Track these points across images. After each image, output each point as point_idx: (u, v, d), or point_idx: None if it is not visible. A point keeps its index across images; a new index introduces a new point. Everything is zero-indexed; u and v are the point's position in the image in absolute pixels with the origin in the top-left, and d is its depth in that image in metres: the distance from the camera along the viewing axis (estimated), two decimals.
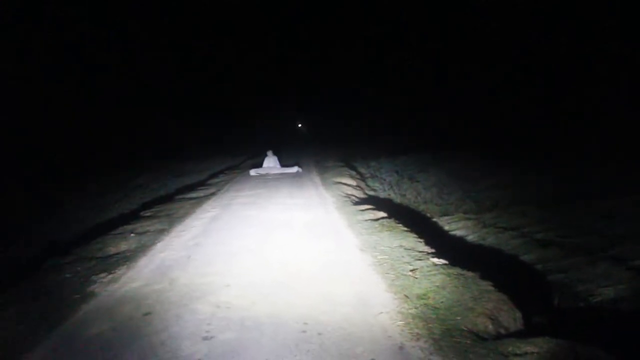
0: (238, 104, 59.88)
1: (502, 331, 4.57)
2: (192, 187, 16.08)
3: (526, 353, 3.96)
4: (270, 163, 18.81)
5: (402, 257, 6.74)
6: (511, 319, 4.74)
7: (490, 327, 4.56)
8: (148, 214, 11.10)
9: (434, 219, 11.32)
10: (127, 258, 7.48)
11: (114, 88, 39.11)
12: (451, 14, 43.56)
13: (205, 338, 4.52)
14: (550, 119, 29.31)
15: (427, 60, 44.97)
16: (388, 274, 6.06)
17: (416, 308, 4.94)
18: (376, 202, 11.99)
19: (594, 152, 19.03)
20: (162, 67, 47.29)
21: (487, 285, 5.42)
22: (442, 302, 5.05)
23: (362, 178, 17.56)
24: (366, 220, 9.33)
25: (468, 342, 4.23)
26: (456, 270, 5.97)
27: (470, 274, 5.82)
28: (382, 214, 9.78)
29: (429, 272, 6.00)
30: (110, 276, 6.58)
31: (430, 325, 4.55)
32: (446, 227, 10.50)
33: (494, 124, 31.95)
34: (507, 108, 33.68)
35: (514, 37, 35.73)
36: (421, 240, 7.67)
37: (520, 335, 4.49)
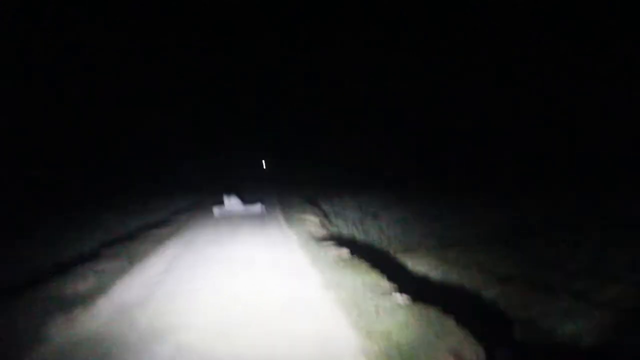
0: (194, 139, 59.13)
1: None
2: (154, 225, 15.83)
3: None
4: (232, 202, 18.65)
5: (366, 294, 6.71)
6: (474, 354, 4.73)
7: None
8: (108, 253, 10.86)
9: (397, 256, 11.33)
10: (85, 298, 7.27)
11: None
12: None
13: None
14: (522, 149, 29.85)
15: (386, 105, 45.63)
16: (351, 311, 6.02)
17: (379, 345, 4.90)
18: (339, 240, 11.97)
19: (564, 182, 19.51)
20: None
21: (450, 322, 5.42)
22: (405, 339, 5.02)
23: (326, 215, 17.55)
24: (329, 257, 9.29)
25: None
26: (419, 307, 5.96)
27: (433, 310, 5.82)
28: (345, 251, 9.75)
29: (392, 309, 5.98)
30: (66, 318, 6.38)
31: None
32: (409, 264, 10.51)
33: (458, 160, 32.44)
34: (474, 144, 34.29)
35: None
36: (384, 277, 7.66)
37: None
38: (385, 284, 7.25)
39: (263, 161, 69.66)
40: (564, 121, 31.00)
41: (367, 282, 7.37)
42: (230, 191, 19.48)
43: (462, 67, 39.23)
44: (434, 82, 40.73)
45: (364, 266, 8.50)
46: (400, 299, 6.37)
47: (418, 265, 10.40)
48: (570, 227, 12.39)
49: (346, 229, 15.04)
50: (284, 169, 50.91)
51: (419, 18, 44.98)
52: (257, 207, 18.33)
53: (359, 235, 14.14)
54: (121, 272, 9.02)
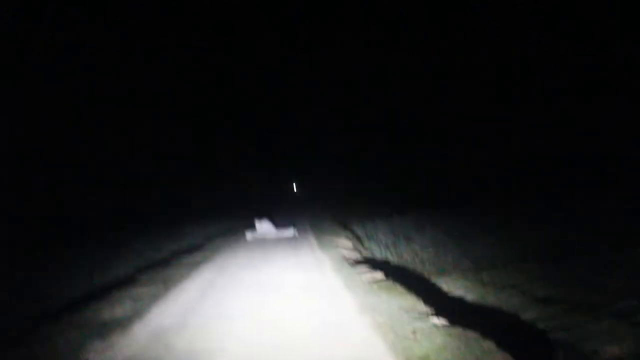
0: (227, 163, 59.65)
1: None
2: (188, 251, 15.95)
3: None
4: (264, 227, 18.74)
5: (402, 318, 6.64)
6: None
7: None
8: (143, 278, 10.97)
9: (432, 279, 11.19)
10: (122, 324, 7.34)
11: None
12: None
13: None
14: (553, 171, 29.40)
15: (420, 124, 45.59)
16: (388, 335, 5.95)
17: None
18: (373, 263, 11.90)
19: (601, 203, 19.11)
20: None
21: (489, 345, 5.32)
22: None
23: (358, 239, 17.48)
24: (363, 281, 9.24)
25: None
26: (457, 330, 5.86)
27: (471, 333, 5.72)
28: (379, 275, 9.69)
29: (429, 332, 5.90)
30: (104, 343, 6.43)
31: None
32: (444, 287, 10.36)
33: (491, 180, 32.14)
34: (505, 163, 33.97)
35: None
36: (420, 300, 7.58)
37: None
38: (421, 307, 7.17)
39: (294, 184, 69.98)
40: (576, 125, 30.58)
41: (403, 305, 7.29)
42: (262, 215, 19.56)
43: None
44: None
45: (398, 289, 8.43)
46: (438, 322, 6.28)
47: (453, 287, 10.25)
48: (610, 244, 12.10)
49: (379, 252, 14.95)
50: (315, 194, 50.98)
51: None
52: (290, 231, 18.38)
53: (392, 259, 14.03)
54: (157, 297, 9.09)
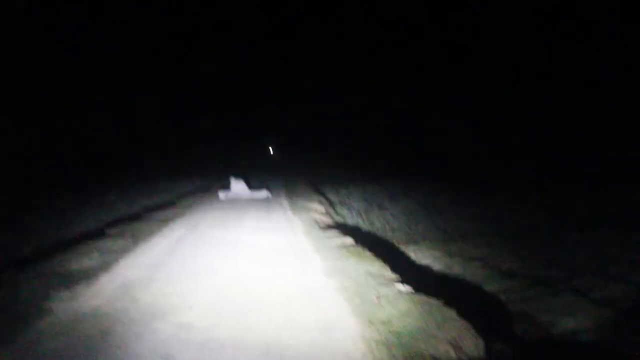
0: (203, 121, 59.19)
1: (465, 358, 4.57)
2: (160, 207, 15.89)
3: None
4: (238, 186, 18.70)
5: (368, 283, 6.73)
6: (473, 346, 4.74)
7: (453, 354, 4.55)
8: (113, 232, 10.92)
9: (401, 248, 11.34)
10: (89, 275, 7.33)
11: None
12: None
13: (164, 358, 4.43)
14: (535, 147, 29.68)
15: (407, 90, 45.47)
16: (354, 299, 6.03)
17: (380, 334, 4.91)
18: (344, 229, 12.00)
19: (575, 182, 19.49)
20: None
21: (451, 313, 5.43)
22: (405, 328, 5.03)
23: (331, 204, 17.58)
24: (333, 246, 9.31)
25: None
26: (421, 298, 5.97)
27: (434, 301, 5.82)
28: (349, 240, 9.78)
29: (394, 298, 5.99)
30: (69, 293, 6.43)
31: (393, 351, 4.53)
32: (413, 256, 10.52)
33: (468, 155, 32.35)
34: (485, 138, 34.19)
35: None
36: (387, 267, 7.68)
37: None
38: (388, 273, 7.27)
39: (270, 148, 69.46)
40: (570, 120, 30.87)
41: (370, 270, 7.39)
42: (236, 176, 19.49)
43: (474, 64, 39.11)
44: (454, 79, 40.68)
45: (367, 255, 8.52)
46: (403, 288, 6.39)
47: (421, 256, 10.41)
48: (577, 227, 12.38)
49: (351, 219, 15.07)
50: (291, 159, 50.82)
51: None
52: (263, 193, 18.37)
53: (363, 225, 14.16)
54: (125, 251, 9.08)
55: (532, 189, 20.70)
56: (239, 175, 19.60)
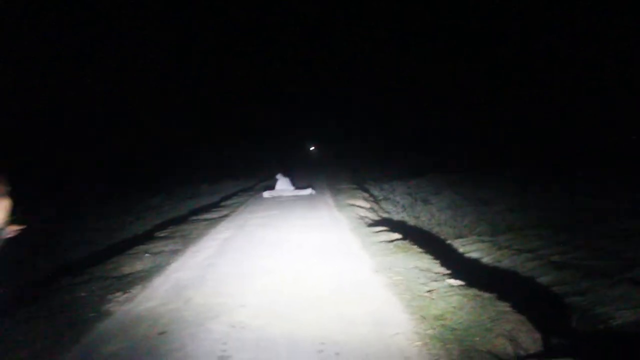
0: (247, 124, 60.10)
1: (522, 352, 4.49)
2: (205, 209, 16.11)
3: None
4: (283, 185, 18.85)
5: (418, 278, 6.68)
6: (530, 340, 4.66)
7: (510, 348, 4.49)
8: (162, 235, 11.12)
9: (449, 241, 11.24)
10: (142, 278, 7.49)
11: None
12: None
13: (220, 357, 4.49)
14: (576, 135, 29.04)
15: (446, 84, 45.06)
16: (404, 294, 6.00)
17: (433, 329, 4.87)
18: (390, 224, 11.94)
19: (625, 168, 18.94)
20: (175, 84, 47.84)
21: (504, 307, 5.35)
22: (459, 323, 4.98)
23: (375, 200, 17.54)
24: (380, 241, 9.28)
25: None
26: (473, 292, 5.90)
27: (487, 295, 5.75)
28: (396, 235, 9.72)
29: (445, 293, 5.94)
30: (125, 295, 6.58)
31: (448, 346, 4.49)
32: (461, 249, 10.41)
33: (510, 145, 31.85)
34: (525, 127, 33.62)
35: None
36: (436, 261, 7.61)
37: (540, 356, 4.42)
38: (437, 268, 7.21)
39: (312, 147, 69.97)
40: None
41: (419, 265, 7.33)
42: (280, 175, 19.64)
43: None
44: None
45: (415, 250, 8.46)
46: (453, 282, 6.33)
47: (469, 250, 10.29)
48: (632, 214, 12.04)
49: (396, 214, 15.01)
50: (332, 158, 50.88)
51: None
52: (307, 190, 18.45)
53: (409, 220, 14.08)
54: (175, 253, 9.24)
55: (577, 176, 20.20)
56: (283, 174, 19.73)
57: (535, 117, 33.60)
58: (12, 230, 3.85)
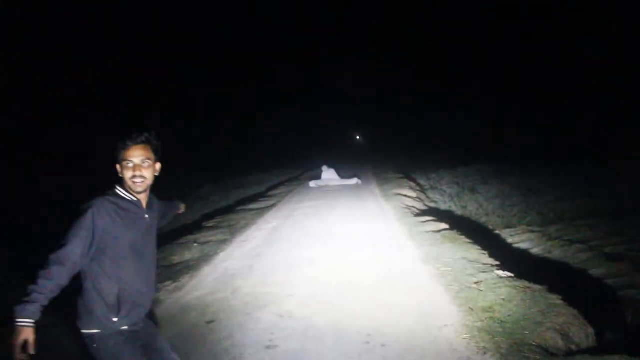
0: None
1: (574, 347, 4.40)
2: (253, 199, 16.26)
3: None
4: (329, 175, 18.86)
5: (466, 269, 6.60)
6: (583, 334, 4.56)
7: (561, 342, 4.40)
8: (210, 225, 11.29)
9: (497, 231, 11.05)
10: (191, 267, 7.63)
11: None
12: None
13: (268, 347, 4.53)
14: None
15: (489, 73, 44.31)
16: (451, 285, 5.94)
17: (482, 321, 4.81)
18: (437, 214, 11.84)
19: None
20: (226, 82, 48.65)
21: (555, 299, 5.23)
22: (508, 315, 4.89)
23: (422, 190, 17.41)
24: (427, 231, 9.20)
25: (537, 357, 4.08)
26: (522, 283, 5.79)
27: (537, 287, 5.63)
28: (443, 225, 9.63)
29: (494, 284, 5.84)
30: (175, 284, 6.71)
31: (497, 339, 4.42)
32: (509, 240, 10.22)
33: (559, 133, 31.13)
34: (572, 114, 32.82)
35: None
36: (485, 252, 7.50)
37: (593, 352, 4.31)
38: (485, 259, 7.10)
39: (358, 137, 70.17)
40: None
41: (467, 256, 7.24)
42: (327, 165, 19.68)
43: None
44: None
45: (462, 240, 8.35)
46: (502, 274, 6.23)
47: (519, 240, 10.09)
48: None
49: (443, 204, 14.85)
50: (379, 148, 50.67)
51: None
52: (353, 180, 18.42)
53: (456, 210, 13.92)
54: (223, 242, 9.36)
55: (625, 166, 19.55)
56: (330, 164, 19.77)
57: (578, 108, 32.67)
58: (183, 208, 3.99)
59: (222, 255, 8.40)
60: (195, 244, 9.12)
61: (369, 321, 4.98)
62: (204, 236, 9.94)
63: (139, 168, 2.80)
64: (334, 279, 6.56)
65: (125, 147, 2.77)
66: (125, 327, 2.75)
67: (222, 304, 5.79)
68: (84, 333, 2.70)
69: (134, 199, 2.86)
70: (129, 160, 2.77)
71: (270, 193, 17.58)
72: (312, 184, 18.34)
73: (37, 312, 2.39)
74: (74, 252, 2.52)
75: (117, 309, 2.72)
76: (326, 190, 17.06)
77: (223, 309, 5.63)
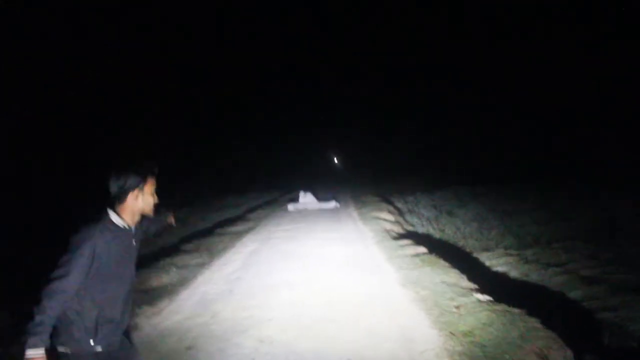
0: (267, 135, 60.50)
1: None
2: (231, 221, 16.18)
3: None
4: (307, 198, 18.87)
5: (445, 292, 6.62)
6: (562, 357, 4.58)
7: None
8: (188, 248, 11.18)
9: (475, 255, 11.14)
10: (169, 291, 7.54)
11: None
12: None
13: None
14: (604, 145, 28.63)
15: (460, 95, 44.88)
16: (432, 310, 5.96)
17: (462, 345, 4.82)
18: (415, 237, 11.88)
19: None
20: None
21: (534, 323, 5.27)
22: (489, 339, 4.92)
23: (400, 213, 17.46)
24: (406, 255, 9.23)
25: None
26: (502, 307, 5.82)
27: (516, 310, 5.67)
28: (422, 249, 9.67)
29: (473, 308, 5.87)
30: (153, 309, 6.62)
31: None
32: (487, 263, 10.31)
33: (533, 157, 31.59)
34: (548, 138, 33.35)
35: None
36: (463, 275, 7.53)
37: None
38: (465, 282, 7.13)
39: (335, 158, 70.49)
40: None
41: (446, 280, 7.27)
42: (304, 188, 19.71)
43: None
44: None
45: (441, 264, 8.39)
46: (482, 297, 6.26)
47: (496, 264, 10.18)
48: None
49: (421, 227, 14.92)
50: (355, 170, 50.95)
51: None
52: (332, 203, 18.45)
53: (434, 233, 14.00)
54: (202, 266, 9.29)
55: (609, 183, 19.87)
56: (307, 187, 19.80)
57: (556, 127, 33.27)
58: (173, 219, 3.99)
59: (200, 278, 8.32)
60: (174, 268, 9.02)
61: (350, 345, 4.97)
62: (181, 259, 9.83)
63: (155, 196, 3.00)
64: (314, 302, 6.54)
65: (152, 176, 2.96)
66: (100, 349, 2.78)
67: (202, 329, 5.73)
68: (58, 350, 2.72)
69: (127, 227, 2.93)
70: (153, 189, 2.99)
71: (248, 216, 17.50)
72: (290, 207, 18.33)
73: (47, 339, 2.49)
74: (75, 282, 2.61)
75: (94, 331, 2.76)
76: (304, 213, 17.05)
77: (202, 334, 5.58)
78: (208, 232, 13.86)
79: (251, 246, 11.07)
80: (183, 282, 8.09)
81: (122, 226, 2.89)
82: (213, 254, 10.39)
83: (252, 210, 19.99)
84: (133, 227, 2.99)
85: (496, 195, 20.09)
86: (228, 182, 34.96)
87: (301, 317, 5.96)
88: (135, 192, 2.89)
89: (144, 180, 2.90)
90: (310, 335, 5.34)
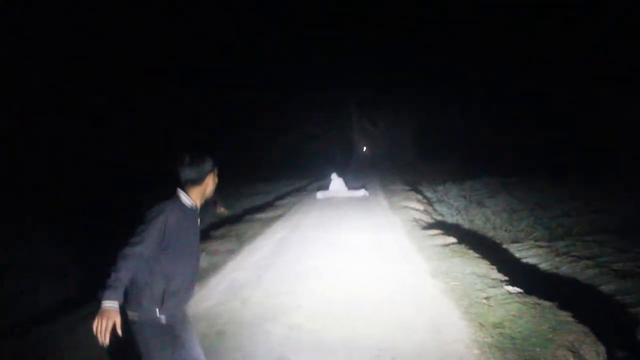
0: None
1: None
2: (260, 208, 16.29)
3: None
4: (337, 186, 18.85)
5: (475, 283, 6.60)
6: (594, 352, 4.54)
7: None
8: (218, 234, 11.30)
9: (504, 246, 11.03)
10: (199, 277, 7.62)
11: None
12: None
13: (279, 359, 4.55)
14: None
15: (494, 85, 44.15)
16: (461, 300, 5.94)
17: (492, 337, 4.81)
18: (445, 227, 11.83)
19: None
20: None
21: (565, 316, 5.21)
22: (519, 331, 4.89)
23: (429, 203, 17.38)
24: (436, 245, 9.21)
25: None
26: (532, 299, 5.78)
27: (547, 303, 5.62)
28: (451, 239, 9.63)
29: (503, 300, 5.84)
30: None
31: (507, 355, 4.42)
32: (517, 255, 10.20)
33: (566, 148, 31.07)
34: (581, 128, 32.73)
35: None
36: (493, 267, 7.48)
37: None
38: (495, 274, 7.09)
39: (364, 147, 70.55)
40: None
41: (476, 271, 7.23)
42: (334, 174, 19.69)
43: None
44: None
45: (471, 255, 8.34)
46: (512, 289, 6.22)
47: (526, 256, 10.07)
48: None
49: (450, 217, 14.84)
50: (384, 160, 50.69)
51: None
52: (361, 192, 18.40)
53: (464, 223, 13.91)
54: (231, 252, 9.39)
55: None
56: (337, 174, 19.77)
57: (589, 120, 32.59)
58: (223, 208, 4.35)
59: (230, 264, 8.43)
60: (204, 254, 9.13)
61: (379, 334, 4.99)
62: (211, 246, 9.96)
63: None
64: (343, 291, 6.57)
65: (217, 164, 3.28)
66: (164, 320, 3.01)
67: (232, 315, 5.81)
68: (128, 314, 2.96)
69: (194, 206, 3.21)
70: (216, 174, 3.34)
71: (277, 203, 17.60)
72: (320, 195, 18.33)
73: (121, 296, 2.74)
74: (147, 249, 2.87)
75: (160, 302, 2.99)
76: (333, 201, 17.06)
77: (232, 320, 5.65)
78: (238, 219, 13.97)
79: (281, 233, 11.14)
80: (213, 268, 8.20)
81: (190, 206, 3.16)
82: (242, 240, 10.50)
83: (281, 197, 20.08)
84: (199, 208, 3.27)
85: (527, 187, 19.81)
86: (260, 169, 35.19)
87: (330, 306, 5.99)
88: (212, 174, 3.25)
89: (216, 164, 3.24)
90: (340, 323, 5.37)
